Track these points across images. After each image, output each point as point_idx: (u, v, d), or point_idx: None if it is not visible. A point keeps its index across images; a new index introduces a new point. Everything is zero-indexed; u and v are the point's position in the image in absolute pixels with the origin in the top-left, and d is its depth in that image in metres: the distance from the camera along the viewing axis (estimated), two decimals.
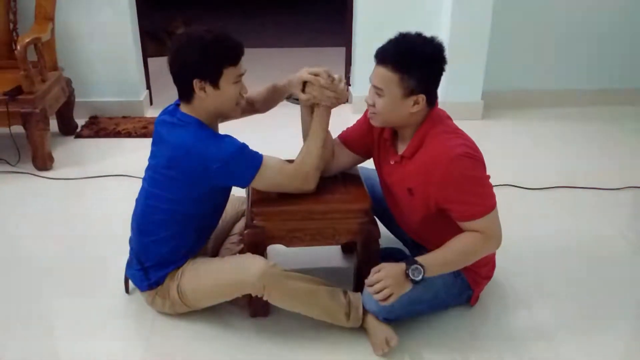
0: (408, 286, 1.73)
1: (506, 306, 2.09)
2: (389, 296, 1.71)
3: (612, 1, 3.90)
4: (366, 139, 1.99)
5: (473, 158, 1.74)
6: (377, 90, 1.75)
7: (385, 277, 1.71)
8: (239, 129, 1.96)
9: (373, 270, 1.76)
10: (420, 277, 1.71)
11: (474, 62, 3.68)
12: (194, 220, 1.90)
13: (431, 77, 1.74)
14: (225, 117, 1.91)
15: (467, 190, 1.73)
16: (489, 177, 1.78)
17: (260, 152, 1.84)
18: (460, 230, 1.77)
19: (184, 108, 1.84)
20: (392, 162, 1.90)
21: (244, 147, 1.80)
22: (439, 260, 1.76)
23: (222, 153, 1.75)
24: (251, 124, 2.28)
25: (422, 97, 1.73)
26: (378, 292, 1.72)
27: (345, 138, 2.03)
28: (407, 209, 1.91)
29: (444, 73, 1.77)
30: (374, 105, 1.79)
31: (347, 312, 1.88)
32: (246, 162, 1.80)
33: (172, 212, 1.86)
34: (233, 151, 1.76)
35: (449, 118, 1.88)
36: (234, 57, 1.77)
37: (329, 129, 1.94)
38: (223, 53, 1.75)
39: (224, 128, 1.93)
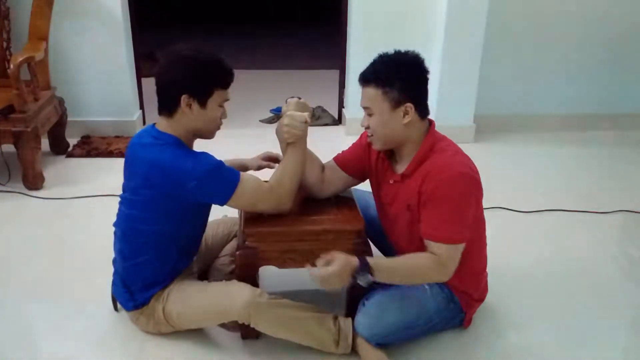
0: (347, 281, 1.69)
1: (498, 328, 2.08)
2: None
3: (602, 29, 3.97)
4: (362, 161, 2.00)
5: (471, 180, 1.75)
6: (367, 110, 1.79)
7: (335, 274, 1.66)
8: (214, 151, 1.93)
9: (324, 258, 1.70)
10: (364, 284, 1.68)
11: (466, 86, 3.71)
12: (175, 240, 1.88)
13: (413, 85, 1.76)
14: (201, 137, 1.89)
15: (447, 211, 1.73)
16: (481, 208, 1.76)
17: (237, 170, 1.83)
18: None
19: (161, 124, 1.83)
20: (391, 182, 1.90)
21: (220, 164, 1.79)
22: (389, 270, 1.73)
23: (199, 170, 1.73)
24: (227, 145, 2.17)
25: (410, 106, 1.74)
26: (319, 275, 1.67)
27: (341, 160, 2.03)
28: (404, 228, 1.89)
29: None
30: (368, 127, 1.81)
31: (336, 339, 1.85)
32: (223, 180, 1.78)
33: (152, 233, 1.84)
34: (210, 168, 1.75)
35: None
36: (226, 81, 1.82)
37: (318, 153, 1.94)
38: (218, 74, 1.79)
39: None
